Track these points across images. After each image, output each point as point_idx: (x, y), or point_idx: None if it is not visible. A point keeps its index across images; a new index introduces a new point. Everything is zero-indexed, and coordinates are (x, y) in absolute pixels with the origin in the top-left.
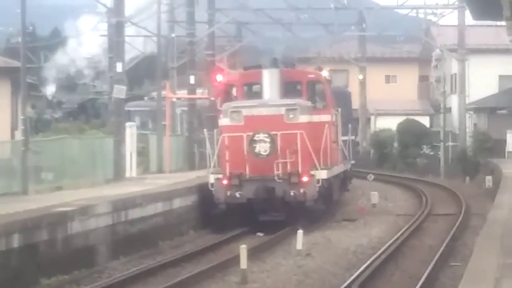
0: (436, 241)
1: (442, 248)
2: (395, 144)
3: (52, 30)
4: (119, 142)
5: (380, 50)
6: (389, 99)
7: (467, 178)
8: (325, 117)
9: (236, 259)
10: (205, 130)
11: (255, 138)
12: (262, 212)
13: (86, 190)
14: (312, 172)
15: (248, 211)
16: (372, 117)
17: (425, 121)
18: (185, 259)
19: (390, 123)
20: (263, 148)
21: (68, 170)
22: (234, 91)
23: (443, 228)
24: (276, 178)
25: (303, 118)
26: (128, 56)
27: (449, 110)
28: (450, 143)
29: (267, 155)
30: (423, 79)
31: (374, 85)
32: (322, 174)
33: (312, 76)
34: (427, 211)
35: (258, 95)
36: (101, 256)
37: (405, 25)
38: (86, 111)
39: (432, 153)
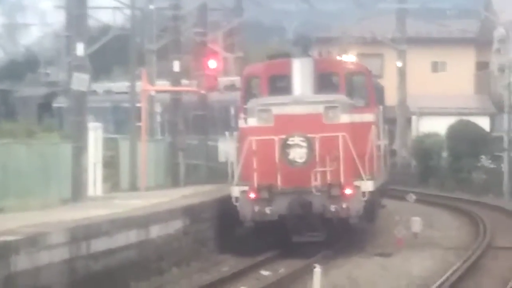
0: (496, 283)
1: None
2: (444, 154)
3: None
4: (80, 150)
5: (425, 29)
6: (436, 94)
7: None
8: (369, 117)
9: None
10: (227, 133)
11: (289, 142)
12: (297, 231)
13: (35, 213)
14: (357, 183)
15: (279, 230)
16: (414, 118)
17: (484, 123)
18: None
19: (438, 126)
20: (298, 154)
21: (13, 186)
22: (256, 85)
23: (506, 265)
24: (313, 190)
25: (345, 118)
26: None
27: None
28: None
29: (303, 162)
30: (482, 66)
31: (417, 75)
32: (368, 186)
33: (352, 67)
34: (485, 243)
35: (286, 89)
36: None
37: None
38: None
39: (493, 165)
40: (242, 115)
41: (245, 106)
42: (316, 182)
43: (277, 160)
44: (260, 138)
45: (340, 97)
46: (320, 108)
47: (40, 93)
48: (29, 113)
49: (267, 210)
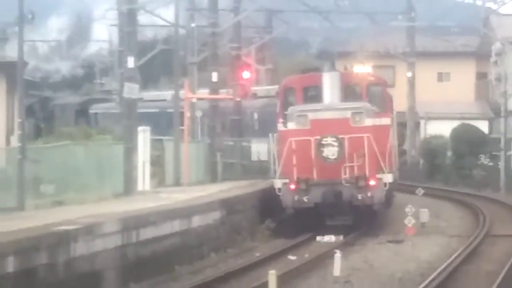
0: (495, 267)
1: (502, 275)
2: (449, 153)
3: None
4: (131, 150)
5: (432, 43)
6: (441, 101)
7: None
8: (386, 121)
9: (263, 287)
10: (270, 134)
11: (323, 142)
12: (329, 216)
13: (92, 205)
14: (379, 176)
15: (315, 215)
16: (422, 122)
17: (483, 126)
18: (205, 287)
19: (443, 129)
20: (331, 152)
21: (72, 182)
22: (292, 94)
23: (503, 251)
24: (343, 182)
25: (369, 122)
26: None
27: (511, 113)
28: None
29: (335, 159)
30: (481, 77)
31: (424, 84)
32: (389, 178)
33: (372, 79)
34: (484, 231)
35: (317, 98)
36: (109, 283)
37: (461, 14)
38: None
39: (491, 163)
40: (280, 120)
41: (285, 113)
42: (345, 175)
43: (313, 157)
44: (299, 139)
45: (364, 104)
46: (348, 114)
47: (77, 101)
48: (67, 118)
49: (305, 198)
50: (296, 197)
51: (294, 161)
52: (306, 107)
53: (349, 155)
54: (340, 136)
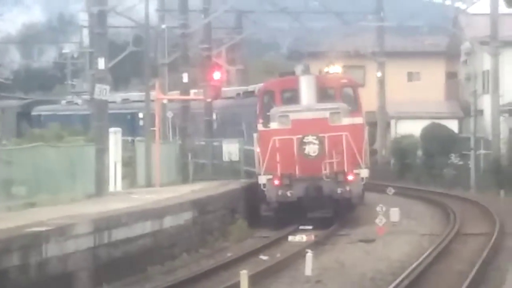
0: (465, 266)
1: (472, 274)
2: (419, 153)
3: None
4: (102, 151)
5: (401, 43)
6: (412, 100)
7: (502, 192)
8: (359, 120)
9: (235, 287)
10: (254, 134)
11: (305, 140)
12: (311, 209)
13: (64, 206)
14: (356, 171)
15: (298, 208)
16: (392, 121)
17: (453, 125)
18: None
19: (413, 128)
20: (312, 149)
21: (44, 183)
22: (271, 97)
23: (474, 250)
24: (324, 177)
25: (346, 121)
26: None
27: (480, 112)
28: (482, 151)
29: (316, 156)
30: (451, 76)
31: (394, 84)
32: (365, 173)
33: (345, 81)
34: (455, 230)
35: (294, 100)
36: (82, 284)
37: (430, 13)
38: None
39: (461, 162)
40: (260, 120)
41: (267, 113)
42: (325, 170)
43: (295, 154)
44: (282, 137)
45: (341, 105)
46: (326, 114)
47: (18, 103)
48: (8, 121)
49: (288, 193)
50: (280, 192)
51: (278, 158)
52: (288, 108)
53: (329, 152)
54: (320, 134)
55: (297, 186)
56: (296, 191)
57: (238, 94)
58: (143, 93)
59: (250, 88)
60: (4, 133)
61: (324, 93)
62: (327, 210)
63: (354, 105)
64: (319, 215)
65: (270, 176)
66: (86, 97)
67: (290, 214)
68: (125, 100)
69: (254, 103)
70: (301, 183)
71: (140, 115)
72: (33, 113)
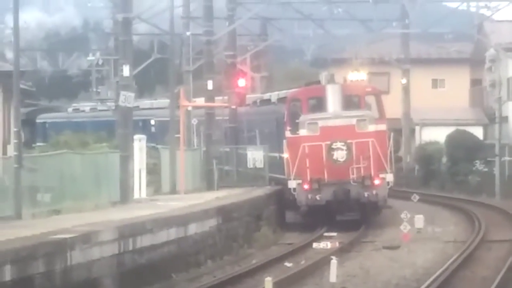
0: (490, 272)
1: (497, 280)
2: (444, 159)
3: (50, 28)
4: (127, 158)
5: (426, 50)
6: (436, 107)
7: None
8: (383, 126)
9: None
10: (284, 141)
11: (333, 146)
12: (339, 212)
13: (88, 213)
14: (382, 176)
15: (327, 211)
16: (417, 128)
17: (478, 132)
18: None
19: (438, 135)
20: (340, 155)
21: (68, 190)
22: (298, 105)
23: (499, 256)
24: (351, 181)
25: (371, 128)
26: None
27: (505, 119)
28: (507, 158)
29: (343, 161)
30: (476, 83)
31: (419, 90)
32: (391, 177)
33: (369, 89)
34: (480, 237)
35: (321, 108)
36: None
37: (455, 20)
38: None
39: (486, 169)
40: (288, 128)
41: (296, 121)
42: (353, 175)
43: (324, 159)
44: (311, 144)
45: (367, 112)
46: (353, 121)
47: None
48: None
49: (317, 197)
50: (309, 196)
51: (307, 164)
52: (316, 115)
53: (356, 157)
54: (348, 141)
55: (326, 190)
56: (325, 195)
57: (255, 102)
58: (155, 101)
59: (266, 96)
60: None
61: (349, 101)
62: (355, 213)
63: (378, 113)
64: (347, 218)
65: (300, 181)
66: (111, 104)
67: (319, 217)
68: (136, 107)
69: (269, 111)
70: (329, 187)
71: (152, 121)
72: (38, 120)
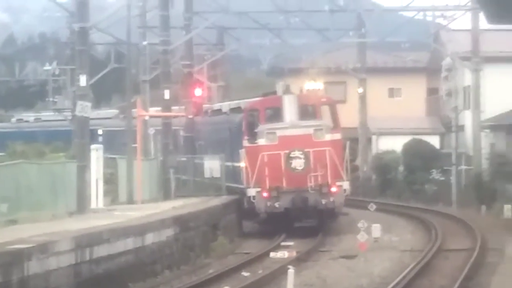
0: (447, 281)
1: None
2: (401, 168)
3: (6, 38)
4: (84, 168)
5: (382, 59)
6: (393, 116)
7: (483, 208)
8: (338, 135)
9: None
10: (241, 150)
11: (291, 155)
12: (297, 219)
13: (45, 224)
14: (339, 183)
15: (285, 219)
16: (374, 137)
17: (434, 141)
18: None
19: (395, 144)
20: (298, 163)
21: (25, 200)
22: (255, 115)
23: (455, 265)
24: (309, 189)
25: (328, 137)
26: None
27: (462, 128)
28: (463, 167)
29: (301, 169)
30: (432, 92)
31: (375, 100)
32: (347, 185)
33: (324, 100)
34: (437, 246)
35: (277, 118)
36: None
37: (411, 30)
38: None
39: (442, 178)
40: (245, 137)
41: (255, 130)
42: (311, 183)
43: (282, 168)
44: (270, 153)
45: (324, 122)
46: (310, 130)
47: None
48: None
49: (276, 204)
50: (268, 203)
51: (266, 172)
52: (274, 125)
53: (313, 166)
54: (306, 149)
55: (284, 197)
56: (284, 202)
57: (206, 112)
58: (101, 111)
59: (216, 106)
60: None
61: (305, 111)
62: (312, 220)
63: (333, 122)
64: (305, 225)
65: (259, 189)
66: (68, 114)
67: (278, 224)
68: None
69: (221, 121)
70: (288, 195)
71: (100, 131)
72: None
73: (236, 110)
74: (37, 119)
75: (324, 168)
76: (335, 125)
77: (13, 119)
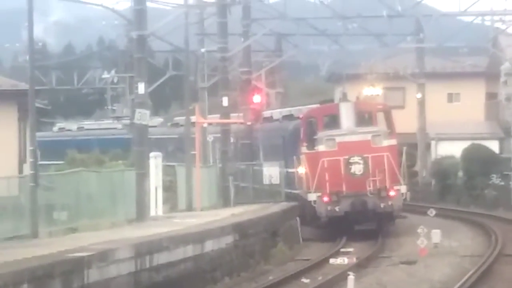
0: (508, 286)
1: None
2: (460, 174)
3: (65, 46)
4: (142, 176)
5: (441, 64)
6: (452, 121)
7: None
8: (394, 141)
9: None
10: (301, 156)
11: (351, 160)
12: (357, 222)
13: (105, 231)
14: (397, 187)
15: (344, 222)
16: (433, 142)
17: (493, 146)
18: None
19: (454, 149)
20: (357, 168)
21: (84, 208)
22: (313, 122)
23: None
24: (368, 193)
25: (385, 142)
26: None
27: None
28: None
29: (361, 174)
30: (491, 97)
31: (434, 105)
32: (404, 189)
33: (380, 106)
34: (497, 251)
35: (334, 125)
36: None
37: (469, 34)
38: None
39: (502, 183)
40: (304, 144)
41: (314, 137)
42: (370, 187)
43: (342, 173)
44: (330, 158)
45: (381, 128)
46: (368, 136)
47: None
48: None
49: (337, 208)
50: (329, 207)
51: (327, 177)
52: (333, 132)
53: (372, 170)
54: (364, 155)
55: (344, 201)
56: (343, 206)
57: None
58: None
59: (266, 114)
60: None
61: (361, 118)
62: (371, 223)
63: (389, 128)
64: (364, 228)
65: (320, 194)
66: (126, 121)
67: (338, 227)
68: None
69: (271, 128)
70: (347, 199)
71: None
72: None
73: (288, 117)
74: (79, 128)
75: (382, 173)
76: (391, 131)
77: (55, 128)
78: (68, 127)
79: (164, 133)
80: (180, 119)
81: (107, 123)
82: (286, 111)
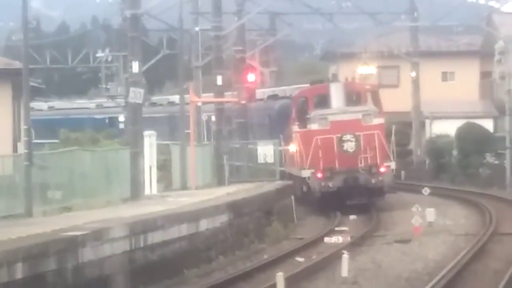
0: (502, 265)
1: (509, 273)
2: (454, 152)
3: (59, 25)
4: (137, 154)
5: (435, 43)
6: (446, 100)
7: None
8: (381, 120)
9: None
10: (293, 134)
11: (343, 138)
12: (349, 197)
13: (99, 210)
14: (387, 164)
15: (338, 197)
16: (427, 121)
17: (488, 124)
18: None
19: (448, 128)
20: (350, 146)
21: (79, 187)
22: (304, 102)
23: (510, 249)
24: (360, 169)
25: (376, 121)
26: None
27: None
28: None
29: (353, 151)
30: (485, 75)
31: (428, 83)
32: (394, 165)
33: (369, 87)
34: (491, 229)
35: (325, 104)
36: None
37: (463, 13)
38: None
39: (496, 162)
40: (296, 123)
41: (307, 116)
42: (361, 164)
43: (335, 150)
44: (323, 136)
45: (371, 107)
46: (359, 115)
47: None
48: None
49: (330, 184)
50: (322, 183)
51: (320, 154)
52: (326, 111)
53: (363, 148)
54: (356, 133)
55: (337, 177)
56: (336, 182)
57: None
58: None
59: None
60: None
61: (351, 97)
62: (363, 198)
63: (377, 107)
64: (356, 202)
65: (313, 170)
66: (121, 100)
67: (331, 202)
68: (99, 106)
69: (257, 107)
70: (340, 175)
71: (121, 118)
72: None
73: (273, 97)
74: (50, 108)
75: (373, 150)
76: (379, 110)
77: (45, 107)
78: (37, 107)
79: (156, 111)
80: (174, 97)
81: (78, 103)
82: (270, 91)
